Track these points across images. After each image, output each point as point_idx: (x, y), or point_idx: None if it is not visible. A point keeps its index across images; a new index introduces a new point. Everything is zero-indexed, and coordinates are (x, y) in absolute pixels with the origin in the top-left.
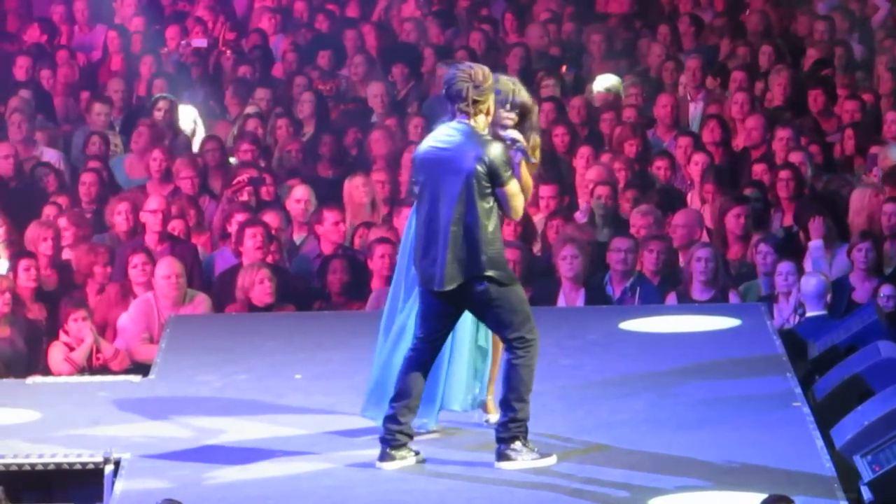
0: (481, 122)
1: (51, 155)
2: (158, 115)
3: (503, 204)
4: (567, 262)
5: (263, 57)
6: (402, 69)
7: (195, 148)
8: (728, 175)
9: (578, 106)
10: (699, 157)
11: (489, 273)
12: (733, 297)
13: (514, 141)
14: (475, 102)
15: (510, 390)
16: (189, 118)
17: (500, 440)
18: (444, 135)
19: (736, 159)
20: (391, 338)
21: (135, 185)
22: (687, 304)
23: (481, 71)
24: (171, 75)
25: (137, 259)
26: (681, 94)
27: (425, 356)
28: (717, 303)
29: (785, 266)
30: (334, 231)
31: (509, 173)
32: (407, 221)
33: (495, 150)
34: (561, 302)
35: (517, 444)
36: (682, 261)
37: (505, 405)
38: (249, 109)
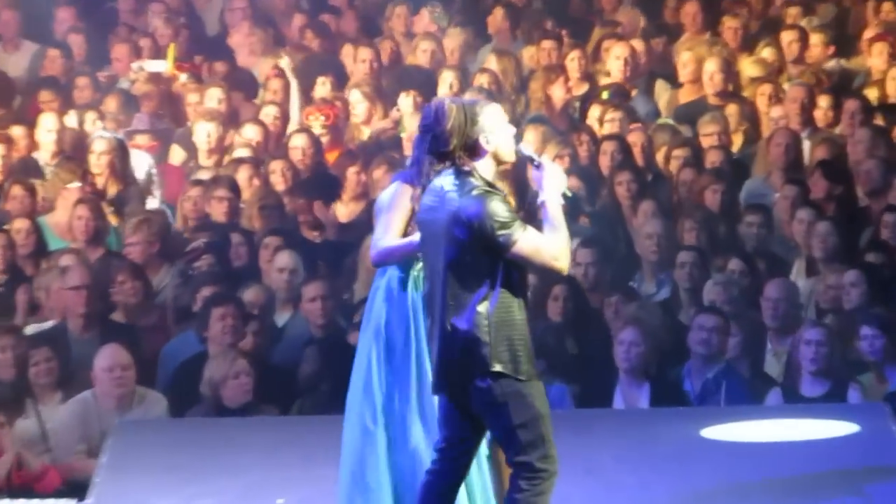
0: (480, 164)
1: None
2: (99, 158)
3: (526, 266)
4: (625, 349)
5: (241, 84)
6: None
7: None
8: (844, 235)
9: (641, 144)
10: (804, 214)
11: (493, 368)
12: (853, 393)
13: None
14: (454, 149)
15: None
16: (143, 164)
17: None
18: (434, 188)
19: (854, 215)
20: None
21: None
22: (792, 402)
23: (445, 109)
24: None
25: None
26: (779, 128)
27: (446, 479)
28: (832, 399)
29: None
30: (311, 309)
31: (509, 232)
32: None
33: (486, 207)
34: (618, 401)
35: None
36: (769, 345)
37: None
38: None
